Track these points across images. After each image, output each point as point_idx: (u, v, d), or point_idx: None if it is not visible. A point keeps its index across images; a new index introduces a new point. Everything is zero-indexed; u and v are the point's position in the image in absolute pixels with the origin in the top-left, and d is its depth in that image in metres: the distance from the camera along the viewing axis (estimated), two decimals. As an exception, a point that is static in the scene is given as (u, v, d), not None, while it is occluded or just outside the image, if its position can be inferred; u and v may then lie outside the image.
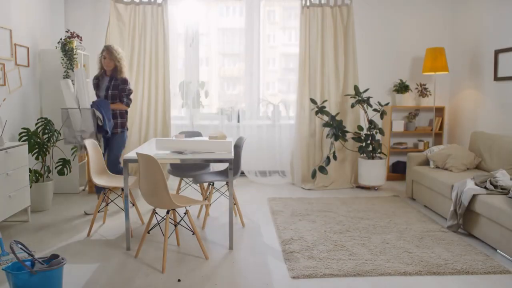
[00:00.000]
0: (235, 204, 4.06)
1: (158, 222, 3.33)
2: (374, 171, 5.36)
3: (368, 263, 3.13)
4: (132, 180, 3.78)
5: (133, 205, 3.93)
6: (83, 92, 4.36)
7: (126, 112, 4.57)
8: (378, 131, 5.54)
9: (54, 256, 2.66)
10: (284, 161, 6.11)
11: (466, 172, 4.48)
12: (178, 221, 4.07)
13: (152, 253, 3.35)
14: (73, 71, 5.05)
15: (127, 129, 4.61)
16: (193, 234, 3.77)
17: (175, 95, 5.99)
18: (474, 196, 3.60)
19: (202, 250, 3.34)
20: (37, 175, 4.48)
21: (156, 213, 3.28)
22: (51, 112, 5.09)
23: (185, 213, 3.34)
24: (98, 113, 4.26)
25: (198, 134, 4.83)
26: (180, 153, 3.45)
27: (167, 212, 3.18)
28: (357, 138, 5.43)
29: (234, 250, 3.43)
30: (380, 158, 5.46)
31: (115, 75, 4.45)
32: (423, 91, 6.06)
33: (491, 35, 5.15)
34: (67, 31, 5.26)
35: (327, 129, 5.76)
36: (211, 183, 4.04)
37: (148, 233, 3.33)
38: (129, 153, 3.47)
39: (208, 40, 6.09)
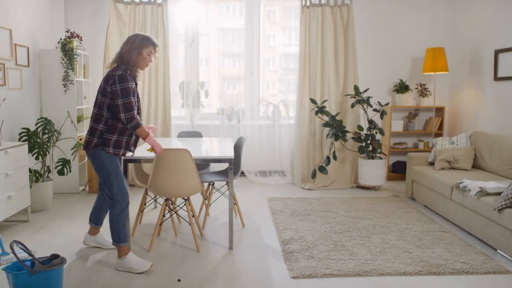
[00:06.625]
0: (235, 204, 4.06)
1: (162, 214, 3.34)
2: (374, 171, 5.36)
3: (368, 263, 3.13)
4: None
5: (193, 216, 3.66)
6: None
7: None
8: (378, 131, 5.54)
9: (54, 256, 2.66)
10: (284, 161, 6.11)
11: (470, 172, 4.48)
12: (178, 210, 4.08)
13: (154, 251, 3.35)
14: (73, 71, 5.05)
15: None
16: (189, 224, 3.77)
17: (175, 95, 5.99)
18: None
19: (195, 242, 3.36)
20: (37, 175, 4.48)
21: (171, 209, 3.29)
22: (51, 112, 5.09)
23: (186, 199, 3.48)
24: None
25: (199, 134, 4.83)
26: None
27: (185, 200, 3.49)
28: (357, 138, 5.43)
29: (234, 250, 3.43)
30: (380, 158, 5.45)
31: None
32: (423, 91, 6.06)
33: (491, 35, 5.15)
34: (67, 31, 5.27)
35: (327, 129, 5.76)
36: (211, 183, 4.04)
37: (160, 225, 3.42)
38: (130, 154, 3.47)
39: (208, 40, 6.08)
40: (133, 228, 3.77)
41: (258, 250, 3.44)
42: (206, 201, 4.08)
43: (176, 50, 5.95)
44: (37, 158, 4.53)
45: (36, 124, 4.79)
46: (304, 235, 3.72)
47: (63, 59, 5.01)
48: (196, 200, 4.99)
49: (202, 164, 4.55)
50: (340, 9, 5.72)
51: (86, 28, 5.83)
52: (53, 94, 5.08)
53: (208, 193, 4.18)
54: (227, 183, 4.07)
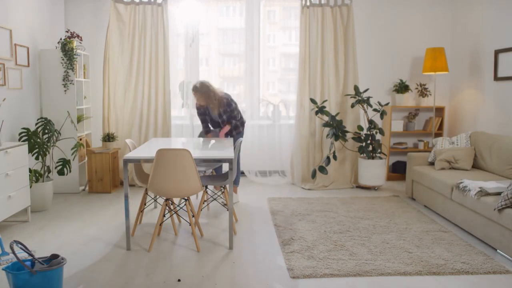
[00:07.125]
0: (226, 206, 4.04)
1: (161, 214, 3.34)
2: (374, 171, 5.36)
3: (368, 263, 3.13)
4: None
5: (193, 216, 3.72)
6: None
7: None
8: (378, 131, 5.54)
9: (54, 256, 2.66)
10: (284, 161, 6.11)
11: (470, 172, 4.48)
12: (178, 210, 4.08)
13: (154, 251, 3.35)
14: (73, 71, 5.05)
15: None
16: (189, 225, 3.77)
17: (175, 95, 5.99)
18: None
19: (195, 241, 3.36)
20: (37, 175, 4.48)
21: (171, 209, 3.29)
22: (51, 112, 5.09)
23: (186, 200, 3.47)
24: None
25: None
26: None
27: (186, 200, 3.49)
28: (357, 138, 5.43)
29: (234, 250, 3.43)
30: (380, 158, 5.45)
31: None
32: (423, 91, 6.06)
33: (491, 35, 5.15)
34: (67, 31, 5.27)
35: (327, 129, 5.76)
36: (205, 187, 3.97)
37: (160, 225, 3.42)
38: (130, 153, 3.47)
39: (208, 40, 6.08)
40: (133, 228, 3.77)
41: (258, 250, 3.44)
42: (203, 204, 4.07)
43: (176, 50, 5.95)
44: (37, 158, 4.53)
45: (36, 124, 4.80)
46: (304, 235, 3.72)
47: (63, 59, 5.01)
48: (196, 200, 4.98)
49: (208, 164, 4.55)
50: (340, 9, 5.72)
51: (86, 28, 5.83)
52: (53, 94, 5.08)
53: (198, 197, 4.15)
54: (223, 187, 4.02)
